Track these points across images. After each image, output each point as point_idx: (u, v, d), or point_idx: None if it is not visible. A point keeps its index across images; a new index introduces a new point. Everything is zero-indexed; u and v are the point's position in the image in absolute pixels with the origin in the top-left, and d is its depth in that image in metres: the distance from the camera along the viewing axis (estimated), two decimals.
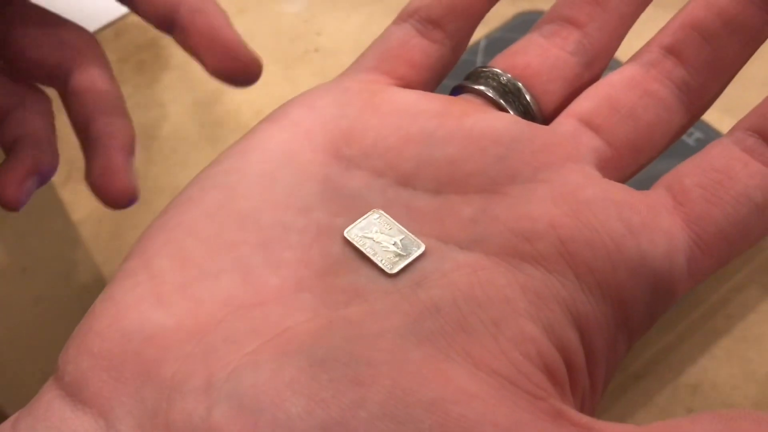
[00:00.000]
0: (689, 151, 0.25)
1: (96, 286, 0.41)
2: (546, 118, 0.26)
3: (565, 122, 0.25)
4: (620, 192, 0.23)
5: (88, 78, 0.32)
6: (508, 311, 0.20)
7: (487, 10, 0.27)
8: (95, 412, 0.19)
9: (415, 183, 0.23)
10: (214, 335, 0.19)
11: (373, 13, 0.52)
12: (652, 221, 0.22)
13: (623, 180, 0.25)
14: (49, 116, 0.34)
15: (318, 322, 0.20)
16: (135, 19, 0.33)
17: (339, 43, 0.51)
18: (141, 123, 0.47)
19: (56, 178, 0.44)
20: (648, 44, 0.27)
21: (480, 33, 0.48)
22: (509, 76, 0.26)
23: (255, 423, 0.17)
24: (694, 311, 0.37)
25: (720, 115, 0.36)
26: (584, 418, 0.19)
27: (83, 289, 0.41)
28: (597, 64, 0.27)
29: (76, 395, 0.19)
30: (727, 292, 0.37)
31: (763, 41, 0.26)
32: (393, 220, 0.22)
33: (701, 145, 0.32)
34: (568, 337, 0.20)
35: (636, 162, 0.25)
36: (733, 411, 0.18)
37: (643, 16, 0.28)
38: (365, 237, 0.22)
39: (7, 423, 0.19)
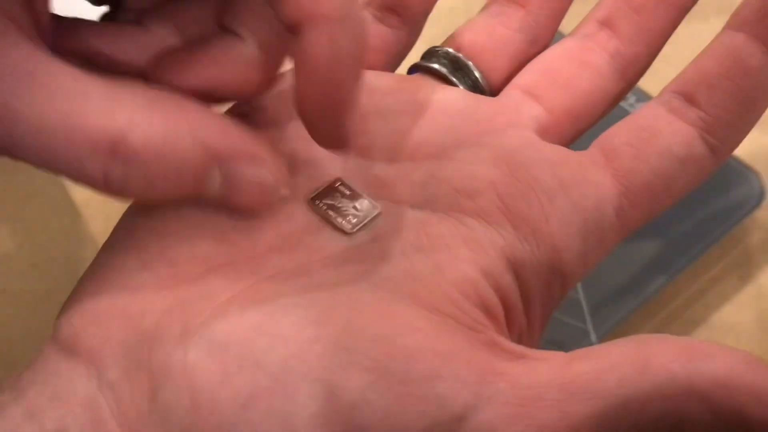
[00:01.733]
0: None
1: None
2: (494, 91, 0.29)
3: (509, 93, 0.28)
4: (554, 152, 0.25)
5: None
6: (450, 258, 0.22)
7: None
8: (87, 362, 0.21)
9: (372, 153, 0.26)
10: (190, 290, 0.22)
11: None
12: (583, 176, 0.25)
13: (565, 144, 0.27)
14: None
15: (284, 276, 0.22)
16: None
17: None
18: None
19: None
20: (585, 18, 0.29)
21: None
22: (459, 54, 0.28)
23: (224, 360, 0.20)
24: (674, 301, 0.39)
25: None
26: (517, 347, 0.21)
27: None
28: (541, 39, 0.29)
29: (70, 349, 0.21)
30: (706, 282, 0.39)
31: (688, 9, 0.28)
32: (352, 186, 0.25)
33: None
34: (505, 279, 0.23)
35: (575, 127, 0.27)
36: (644, 335, 0.20)
37: None
38: (327, 202, 0.24)
39: (11, 379, 0.21)
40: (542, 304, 0.24)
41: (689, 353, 0.18)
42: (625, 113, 0.40)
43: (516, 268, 0.23)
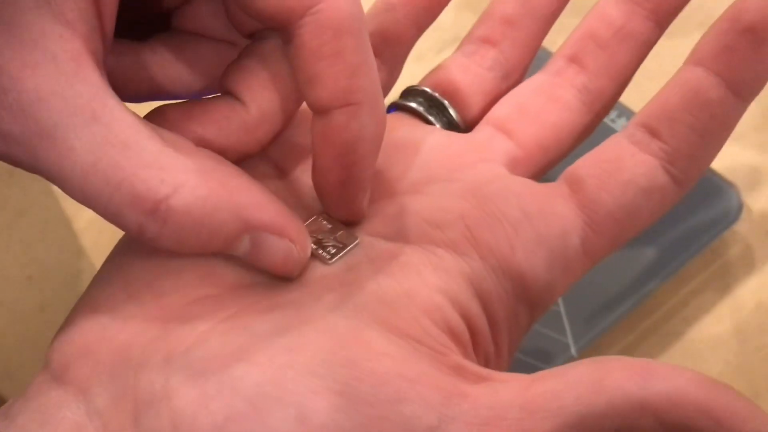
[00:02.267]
0: None
1: None
2: (469, 127, 0.30)
3: (482, 129, 0.29)
4: (521, 185, 0.27)
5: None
6: (419, 284, 0.23)
7: (417, 38, 0.31)
8: (76, 389, 0.22)
9: None
10: (175, 320, 0.23)
11: None
12: (548, 208, 0.26)
13: (537, 176, 0.28)
14: None
15: (265, 304, 0.23)
16: None
17: None
18: None
19: (59, 191, 0.47)
20: (554, 55, 0.30)
21: None
22: (435, 93, 0.30)
23: (203, 385, 0.21)
24: (655, 314, 0.39)
25: None
26: (482, 370, 0.22)
27: None
28: (512, 75, 0.31)
29: (60, 378, 0.22)
30: (685, 295, 0.40)
31: (651, 46, 0.29)
32: (334, 220, 0.26)
33: None
34: (471, 306, 0.24)
35: (545, 159, 0.29)
36: (605, 357, 0.21)
37: None
38: (311, 235, 0.25)
39: (4, 407, 0.22)
40: (509, 331, 0.25)
41: (642, 373, 0.20)
42: (610, 129, 0.42)
43: (482, 296, 0.24)
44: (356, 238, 0.25)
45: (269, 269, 0.24)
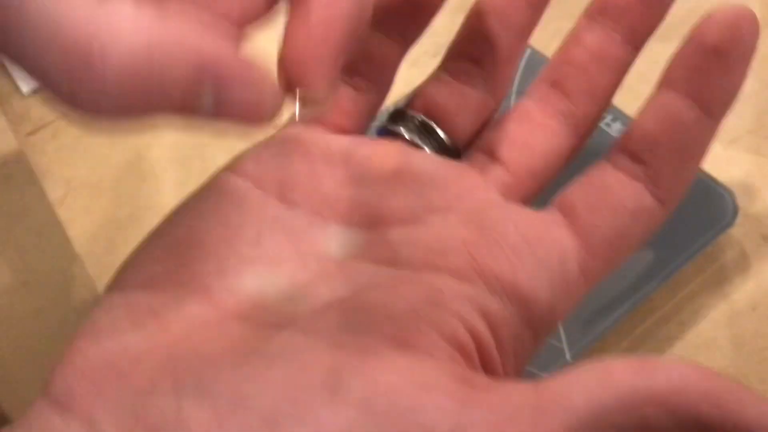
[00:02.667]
0: None
1: (92, 298, 0.43)
2: (459, 147, 0.31)
3: (474, 157, 0.30)
4: (518, 212, 0.27)
5: None
6: (427, 303, 0.24)
7: (403, 57, 0.31)
8: (80, 418, 0.22)
9: (351, 220, 0.27)
10: (180, 347, 0.23)
11: None
12: (545, 233, 0.26)
13: (527, 201, 0.29)
14: None
15: (272, 330, 0.23)
16: None
17: None
18: (134, 144, 0.49)
19: (53, 197, 0.47)
20: (537, 81, 0.31)
21: None
22: (424, 117, 0.31)
23: (216, 406, 0.21)
24: (650, 318, 0.39)
25: None
26: (490, 380, 0.22)
27: (81, 302, 0.43)
28: (498, 92, 0.31)
29: (63, 405, 0.22)
30: (681, 300, 0.40)
31: (628, 67, 0.30)
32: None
33: None
34: (479, 327, 0.24)
35: (534, 184, 0.29)
36: (608, 358, 0.21)
37: None
38: None
39: (4, 430, 0.22)
40: (515, 355, 0.25)
41: (646, 367, 0.20)
42: (605, 134, 0.42)
43: (488, 319, 0.24)
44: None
45: (240, 121, 0.22)
